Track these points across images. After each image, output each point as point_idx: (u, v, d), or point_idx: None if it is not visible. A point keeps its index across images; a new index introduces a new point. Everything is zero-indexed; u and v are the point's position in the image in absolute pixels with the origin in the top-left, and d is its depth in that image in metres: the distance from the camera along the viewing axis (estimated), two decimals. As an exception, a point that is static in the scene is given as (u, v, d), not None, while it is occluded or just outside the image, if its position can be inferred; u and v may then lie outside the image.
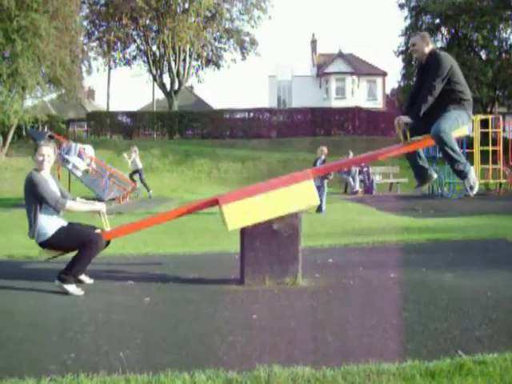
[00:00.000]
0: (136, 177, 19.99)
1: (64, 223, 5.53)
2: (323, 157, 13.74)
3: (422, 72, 5.88)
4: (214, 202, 5.59)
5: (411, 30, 34.35)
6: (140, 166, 20.00)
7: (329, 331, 3.96)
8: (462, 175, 5.59)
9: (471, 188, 5.58)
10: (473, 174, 5.59)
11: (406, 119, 5.72)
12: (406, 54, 34.94)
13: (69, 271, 5.32)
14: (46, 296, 5.21)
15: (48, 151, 5.48)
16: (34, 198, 5.31)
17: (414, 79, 6.20)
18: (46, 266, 6.45)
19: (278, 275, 5.43)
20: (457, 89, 5.60)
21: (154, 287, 5.53)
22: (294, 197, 5.41)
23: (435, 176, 6.17)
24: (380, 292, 5.25)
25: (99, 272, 6.17)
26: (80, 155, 17.97)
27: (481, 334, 3.85)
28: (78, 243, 5.33)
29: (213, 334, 3.97)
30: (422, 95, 5.54)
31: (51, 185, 5.46)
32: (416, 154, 6.09)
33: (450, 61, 5.58)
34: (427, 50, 5.73)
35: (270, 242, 5.42)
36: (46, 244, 5.43)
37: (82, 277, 5.68)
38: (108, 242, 5.76)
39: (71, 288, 5.27)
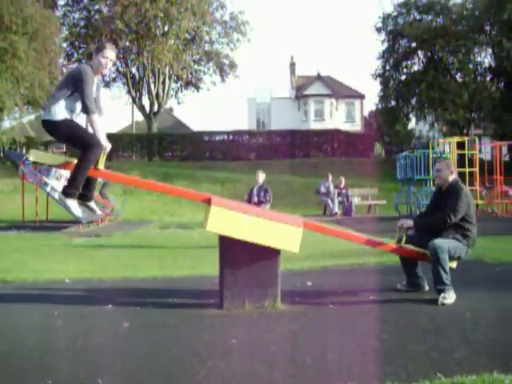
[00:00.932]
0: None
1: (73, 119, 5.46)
2: (261, 182, 12.77)
3: (440, 196, 6.10)
4: (206, 199, 5.57)
5: (388, 53, 34.86)
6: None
7: (308, 355, 3.96)
8: (440, 292, 5.53)
9: (443, 299, 5.46)
10: (451, 299, 5.49)
11: (410, 224, 5.99)
12: (383, 77, 35.41)
13: (71, 182, 5.28)
14: (23, 321, 5.14)
15: (112, 56, 5.42)
16: (72, 86, 5.22)
17: (432, 198, 6.37)
18: (23, 292, 6.37)
19: (257, 299, 5.42)
20: (467, 226, 5.78)
21: (133, 311, 5.48)
22: (280, 235, 5.41)
23: (426, 289, 6.08)
24: (359, 315, 5.27)
25: (77, 296, 6.11)
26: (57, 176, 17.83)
27: (459, 355, 3.87)
28: (78, 139, 5.31)
29: (192, 358, 3.94)
30: (438, 220, 5.79)
31: (94, 88, 5.37)
32: (416, 268, 6.14)
33: (469, 198, 5.84)
34: (451, 178, 5.96)
35: (249, 266, 5.41)
36: (49, 125, 5.35)
37: (92, 204, 5.62)
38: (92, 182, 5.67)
39: (73, 205, 5.25)
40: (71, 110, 5.37)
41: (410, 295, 5.94)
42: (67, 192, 5.29)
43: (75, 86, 5.21)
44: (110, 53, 5.39)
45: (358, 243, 6.49)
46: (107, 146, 5.48)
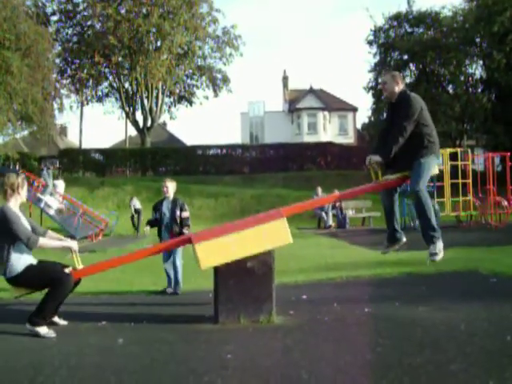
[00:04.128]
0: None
1: (34, 261, 5.45)
2: (171, 195, 9.32)
3: (391, 111, 5.94)
4: (187, 241, 5.58)
5: (380, 66, 35.03)
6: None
7: (304, 369, 3.94)
8: (430, 241, 5.57)
9: (433, 255, 5.52)
10: (441, 244, 5.56)
11: (376, 158, 5.77)
12: (376, 90, 35.55)
13: (39, 313, 5.23)
14: (17, 339, 5.11)
15: (24, 183, 5.50)
16: (6, 235, 5.23)
17: (384, 117, 6.29)
18: (17, 308, 6.33)
19: (252, 313, 5.41)
20: (425, 131, 5.67)
21: (128, 327, 5.46)
22: (267, 235, 5.41)
23: (404, 240, 6.12)
24: (354, 328, 5.26)
25: (71, 313, 6.07)
26: (51, 192, 17.86)
27: (455, 368, 3.86)
28: (46, 282, 5.27)
29: (188, 374, 3.92)
30: (393, 136, 5.60)
31: (23, 220, 5.39)
32: (394, 215, 6.11)
33: (419, 103, 5.66)
34: (397, 89, 5.81)
35: (243, 281, 5.41)
36: (14, 280, 5.33)
37: (56, 319, 5.59)
38: (78, 281, 5.69)
39: (43, 330, 5.17)
40: (23, 251, 5.36)
41: (405, 308, 5.94)
42: (34, 321, 5.22)
43: (7, 232, 5.22)
44: (25, 187, 5.53)
45: (352, 196, 6.43)
46: (71, 245, 5.61)
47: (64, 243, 5.69)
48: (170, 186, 8.19)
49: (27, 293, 5.56)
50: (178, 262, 7.72)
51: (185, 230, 7.79)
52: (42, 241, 5.40)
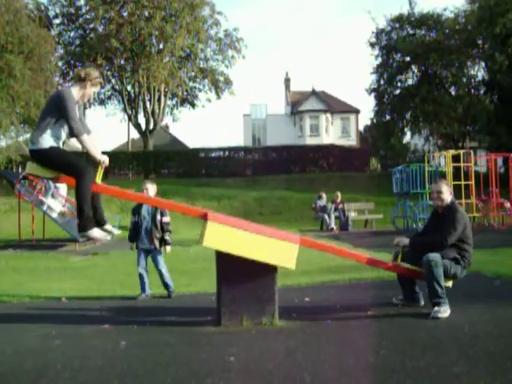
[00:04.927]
0: None
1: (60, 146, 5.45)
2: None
3: (436, 217, 6.11)
4: (202, 215, 5.56)
5: (382, 68, 35.02)
6: None
7: (306, 372, 3.94)
8: (437, 304, 5.56)
9: (437, 312, 5.50)
10: (445, 313, 5.53)
11: (406, 242, 6.00)
12: (378, 92, 35.55)
13: (81, 215, 5.26)
14: (20, 341, 5.11)
15: (96, 91, 5.54)
16: (56, 111, 5.22)
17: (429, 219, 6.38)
18: (20, 310, 6.34)
19: (254, 316, 5.41)
20: (463, 247, 5.80)
21: (131, 330, 5.46)
22: (275, 251, 5.42)
23: (422, 303, 6.12)
24: (357, 330, 5.25)
25: (74, 315, 6.08)
26: (52, 194, 17.86)
27: (458, 370, 3.86)
28: (67, 166, 5.29)
29: (190, 377, 3.92)
30: (434, 240, 5.79)
31: (77, 109, 5.35)
32: (407, 281, 6.19)
33: (465, 219, 5.82)
34: (449, 200, 5.97)
35: (246, 283, 5.41)
36: (37, 154, 5.32)
37: (108, 227, 5.60)
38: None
39: (95, 233, 5.25)
40: (57, 138, 5.37)
41: (408, 310, 5.93)
42: (83, 226, 5.28)
43: (59, 112, 5.22)
44: (97, 89, 5.51)
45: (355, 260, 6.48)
46: (104, 159, 5.47)
47: (97, 154, 5.46)
48: (151, 189, 7.77)
49: (37, 174, 5.55)
50: (162, 269, 7.48)
51: (166, 236, 7.59)
52: (85, 137, 5.32)
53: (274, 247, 5.42)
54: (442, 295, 5.55)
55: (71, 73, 38.72)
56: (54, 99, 5.33)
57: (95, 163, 5.46)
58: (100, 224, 5.54)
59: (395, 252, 6.09)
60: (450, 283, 5.88)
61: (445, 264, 5.61)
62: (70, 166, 5.30)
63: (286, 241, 5.51)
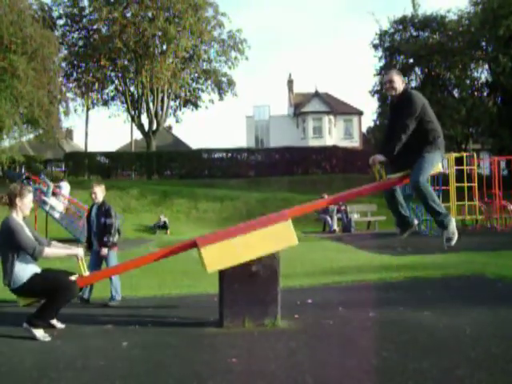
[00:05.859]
0: None
1: (38, 270, 5.45)
2: (100, 199, 7.61)
3: (394, 110, 5.91)
4: (193, 245, 5.58)
5: (386, 70, 35.00)
6: None
7: (309, 373, 3.94)
8: (443, 226, 5.63)
9: (449, 240, 5.59)
10: (453, 225, 5.61)
11: (380, 158, 5.77)
12: (381, 93, 35.53)
13: (38, 315, 5.24)
14: (21, 341, 5.11)
15: (31, 198, 5.49)
16: (10, 246, 5.23)
17: (388, 118, 6.24)
18: (21, 310, 6.33)
19: (257, 317, 5.40)
20: (429, 127, 5.67)
21: (132, 331, 5.46)
22: (272, 238, 5.42)
23: (416, 222, 6.15)
24: (359, 332, 5.25)
25: (76, 316, 6.08)
26: (55, 194, 17.90)
27: (460, 372, 3.85)
28: (51, 290, 5.25)
29: (192, 378, 3.92)
30: (396, 134, 5.59)
31: (27, 231, 5.38)
32: (397, 201, 6.08)
33: (421, 99, 5.66)
34: (402, 87, 5.79)
35: (248, 284, 5.40)
36: (20, 291, 5.34)
37: (54, 321, 5.59)
38: (80, 289, 5.70)
39: (38, 333, 5.16)
40: (29, 262, 5.34)
41: (410, 312, 5.92)
42: (32, 322, 5.22)
43: (11, 244, 5.21)
44: (30, 196, 5.48)
45: (355, 196, 6.40)
46: (77, 253, 5.61)
47: (69, 251, 5.71)
48: (99, 191, 7.45)
49: (34, 301, 5.55)
50: (113, 276, 7.16)
51: (105, 238, 7.26)
52: (48, 250, 5.40)
53: (270, 234, 5.40)
54: (442, 210, 5.58)
55: (74, 74, 38.84)
56: (3, 234, 5.28)
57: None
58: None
59: (378, 170, 5.87)
60: (440, 167, 5.88)
61: (425, 171, 5.53)
62: (52, 289, 5.25)
63: (277, 222, 5.49)
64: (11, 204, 5.40)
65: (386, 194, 6.12)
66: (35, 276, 5.35)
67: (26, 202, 5.44)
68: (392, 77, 5.81)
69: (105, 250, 7.29)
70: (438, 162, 5.81)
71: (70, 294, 5.33)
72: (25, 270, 5.30)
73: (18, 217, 5.40)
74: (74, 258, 5.71)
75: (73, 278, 5.47)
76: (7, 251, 5.27)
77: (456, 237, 5.62)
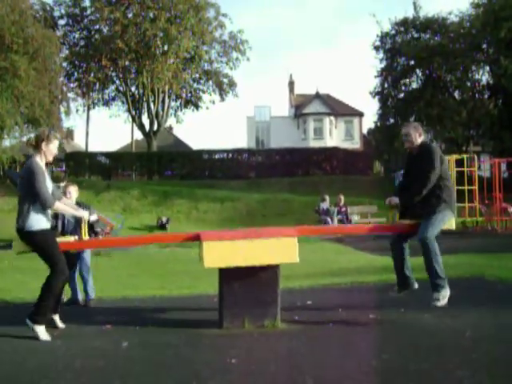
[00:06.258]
0: None
1: (48, 226, 5.42)
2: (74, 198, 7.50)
3: (412, 161, 5.99)
4: (196, 238, 5.57)
5: (387, 71, 35.02)
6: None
7: (308, 375, 3.93)
8: (436, 289, 5.51)
9: (435, 300, 5.46)
10: (446, 293, 5.50)
11: (396, 201, 5.88)
12: (382, 95, 35.54)
13: (38, 309, 5.21)
14: (21, 341, 5.11)
15: (56, 145, 5.51)
16: (29, 189, 5.21)
17: (405, 166, 6.30)
18: (22, 310, 6.33)
19: (257, 318, 5.40)
20: (444, 184, 5.72)
21: (133, 331, 5.46)
22: (275, 250, 5.41)
23: (416, 287, 6.08)
24: (359, 333, 5.25)
25: (76, 316, 6.08)
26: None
27: (461, 374, 3.85)
28: (49, 256, 5.25)
29: (192, 379, 3.91)
30: (418, 186, 5.66)
31: (47, 179, 5.34)
32: (404, 262, 6.11)
33: (442, 156, 5.74)
34: (419, 140, 5.87)
35: (248, 285, 5.41)
36: (25, 236, 5.31)
37: (56, 318, 5.59)
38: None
39: (40, 332, 5.15)
40: (43, 215, 5.33)
41: (411, 313, 5.92)
42: (33, 319, 5.19)
43: (30, 185, 5.20)
44: (56, 144, 5.47)
45: (361, 234, 6.44)
46: (83, 215, 5.60)
47: (76, 212, 5.66)
48: (73, 191, 7.36)
49: (28, 251, 5.52)
50: (86, 274, 7.15)
51: (92, 234, 7.21)
52: (58, 204, 5.36)
53: (274, 246, 5.41)
54: (441, 274, 5.52)
55: (76, 74, 38.85)
56: (24, 175, 5.32)
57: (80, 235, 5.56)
58: (54, 311, 5.58)
59: (393, 213, 5.99)
60: (452, 223, 5.86)
61: (434, 227, 5.55)
62: (51, 257, 5.26)
63: (284, 236, 5.50)
64: (37, 147, 5.37)
65: (394, 253, 6.15)
66: (45, 232, 5.31)
67: (52, 147, 5.40)
68: (408, 131, 5.92)
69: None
70: (450, 219, 5.82)
71: (59, 278, 5.24)
72: (38, 221, 5.26)
73: (41, 162, 5.36)
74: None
75: (72, 238, 5.57)
76: (26, 194, 5.25)
77: (444, 302, 5.48)
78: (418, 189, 5.64)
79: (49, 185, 5.37)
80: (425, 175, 5.60)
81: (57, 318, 5.63)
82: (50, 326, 5.45)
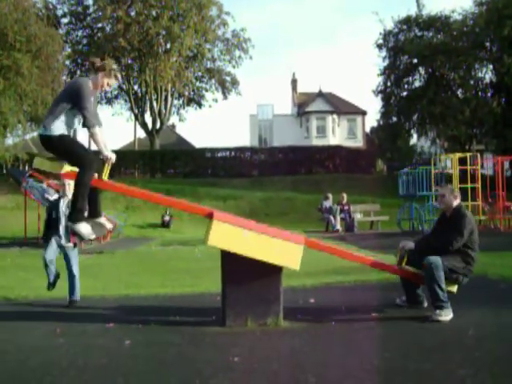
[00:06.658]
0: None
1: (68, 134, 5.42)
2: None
3: (444, 221, 6.14)
4: (208, 214, 5.57)
5: (390, 70, 34.96)
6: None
7: (311, 373, 3.93)
8: (439, 308, 5.53)
9: (437, 315, 5.50)
10: (447, 316, 5.51)
11: (411, 246, 6.04)
12: (385, 94, 35.48)
13: (74, 207, 5.26)
14: (25, 339, 5.13)
15: (114, 84, 5.57)
16: (71, 100, 5.19)
17: (436, 223, 6.44)
18: (25, 309, 6.35)
19: (259, 316, 5.41)
20: (469, 252, 5.83)
21: (135, 329, 5.47)
22: (279, 251, 5.42)
23: (425, 305, 6.16)
24: (362, 332, 5.24)
25: (79, 314, 6.09)
26: (58, 191, 17.87)
27: (463, 373, 3.84)
28: (75, 155, 5.28)
29: (194, 377, 3.92)
30: (440, 244, 5.82)
31: (92, 101, 5.35)
32: (412, 286, 6.22)
33: (473, 225, 5.89)
34: (455, 203, 6.03)
35: (251, 283, 5.41)
36: (48, 140, 5.28)
37: (101, 220, 5.59)
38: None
39: (82, 227, 5.23)
40: (69, 126, 5.34)
41: (413, 312, 5.92)
42: (73, 218, 5.28)
43: (74, 100, 5.19)
44: (114, 82, 5.48)
45: (365, 264, 6.48)
46: (111, 156, 5.44)
47: (105, 149, 5.43)
48: (72, 184, 6.69)
49: (44, 169, 5.52)
50: (75, 271, 6.96)
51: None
52: (98, 129, 5.32)
53: (279, 247, 5.42)
54: (444, 298, 5.53)
55: (78, 72, 38.87)
56: (72, 87, 5.31)
57: (102, 160, 5.44)
58: (95, 216, 5.55)
59: (400, 255, 6.09)
60: (454, 288, 5.86)
61: (446, 267, 5.60)
62: (78, 156, 5.28)
63: (291, 241, 5.51)
64: (95, 70, 5.38)
65: (404, 282, 6.31)
66: (66, 136, 5.31)
67: (105, 82, 5.40)
68: (444, 192, 6.13)
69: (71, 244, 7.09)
70: (457, 280, 5.84)
71: (90, 171, 5.25)
72: (61, 127, 5.25)
73: (92, 86, 5.35)
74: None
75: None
76: (64, 100, 5.24)
77: (447, 319, 5.49)
78: (441, 243, 5.81)
79: (94, 111, 5.37)
80: (450, 240, 5.74)
81: (103, 219, 5.62)
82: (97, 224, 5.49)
